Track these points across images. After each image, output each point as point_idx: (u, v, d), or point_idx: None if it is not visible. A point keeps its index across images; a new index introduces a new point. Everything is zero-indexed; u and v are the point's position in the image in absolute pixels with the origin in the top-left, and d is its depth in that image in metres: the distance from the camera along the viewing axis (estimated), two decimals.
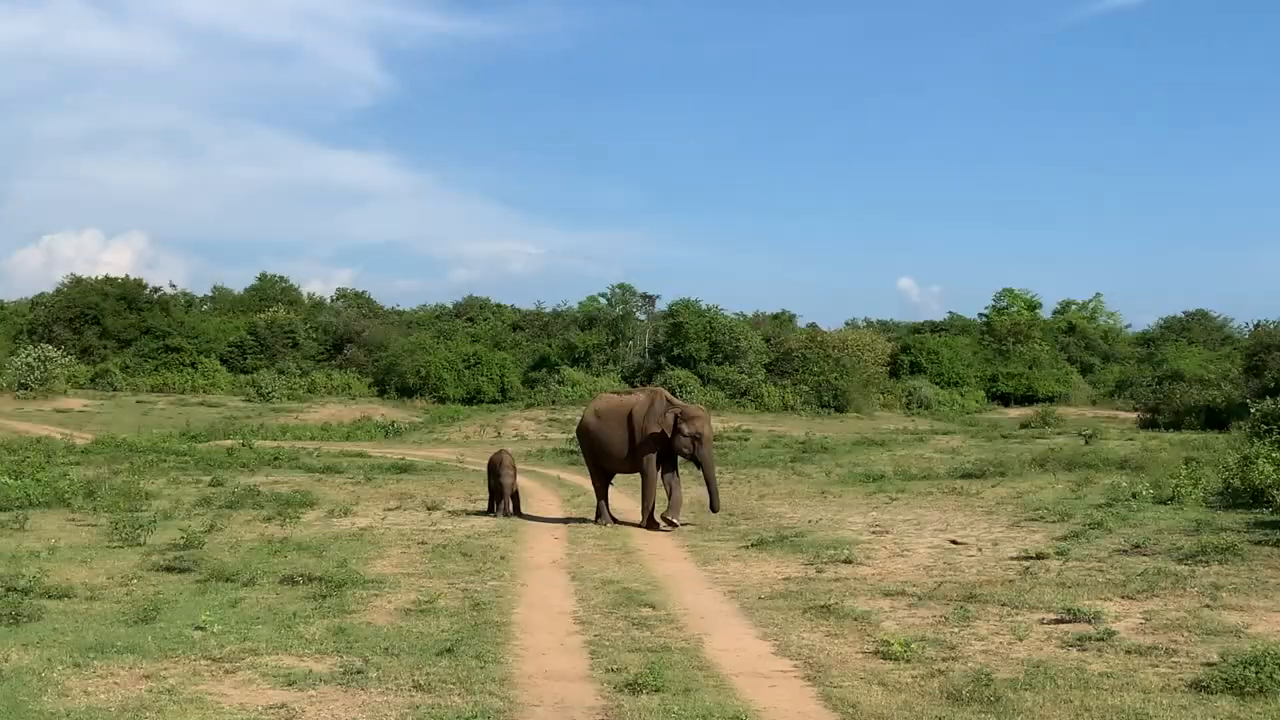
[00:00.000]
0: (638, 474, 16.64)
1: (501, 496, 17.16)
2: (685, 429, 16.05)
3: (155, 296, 68.11)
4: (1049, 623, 9.24)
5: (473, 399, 56.89)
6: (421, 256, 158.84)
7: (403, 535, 14.73)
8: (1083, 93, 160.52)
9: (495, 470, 17.29)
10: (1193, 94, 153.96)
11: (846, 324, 77.25)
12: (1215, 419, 36.19)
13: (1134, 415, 43.71)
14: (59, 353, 53.37)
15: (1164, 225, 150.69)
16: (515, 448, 33.21)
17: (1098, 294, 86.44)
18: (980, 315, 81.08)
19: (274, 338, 64.59)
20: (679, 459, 16.45)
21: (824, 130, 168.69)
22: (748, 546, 13.78)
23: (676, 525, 15.80)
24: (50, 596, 10.35)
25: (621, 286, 68.09)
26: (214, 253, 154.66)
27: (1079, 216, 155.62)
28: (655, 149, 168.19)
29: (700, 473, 16.47)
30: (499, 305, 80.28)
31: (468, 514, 17.12)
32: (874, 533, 14.73)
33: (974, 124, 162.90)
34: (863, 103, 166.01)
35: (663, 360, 58.79)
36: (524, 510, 17.45)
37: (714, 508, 16.25)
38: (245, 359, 63.55)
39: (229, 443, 32.04)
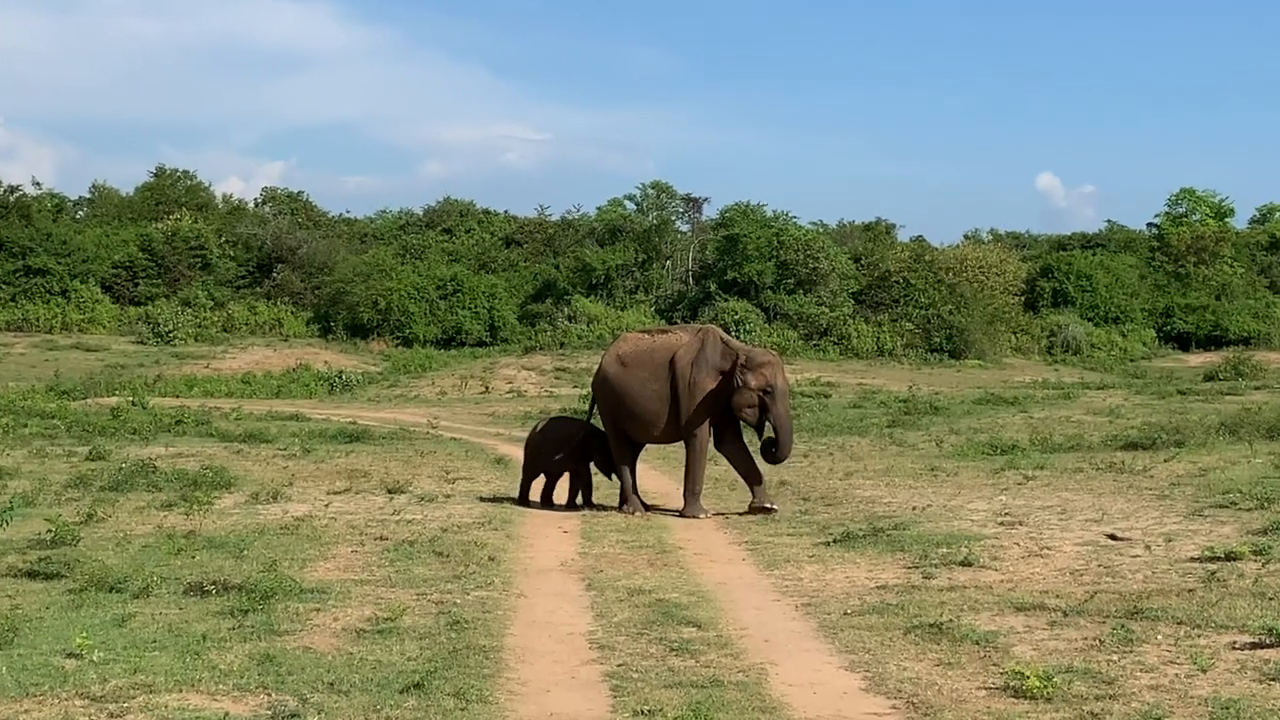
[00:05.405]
0: (679, 444, 16.66)
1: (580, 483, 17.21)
2: (752, 380, 15.97)
3: (12, 199, 68.25)
4: (1242, 648, 9.21)
5: (451, 340, 57.12)
6: (380, 144, 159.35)
7: (354, 528, 14.80)
8: None
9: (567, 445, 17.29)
10: None
11: (966, 238, 77.21)
12: None
13: None
14: None
15: None
16: (510, 408, 33.38)
17: None
18: (1150, 226, 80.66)
19: (176, 256, 64.77)
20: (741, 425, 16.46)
21: None
22: (829, 543, 13.80)
23: (774, 510, 15.94)
24: None
25: (656, 186, 68.24)
26: (93, 139, 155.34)
27: None
28: None
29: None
30: (488, 212, 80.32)
31: (445, 499, 17.16)
32: (1003, 524, 14.73)
33: None
34: None
35: (712, 288, 58.79)
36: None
37: (778, 455, 16.35)
38: (136, 285, 63.79)
39: (114, 400, 32.25)
